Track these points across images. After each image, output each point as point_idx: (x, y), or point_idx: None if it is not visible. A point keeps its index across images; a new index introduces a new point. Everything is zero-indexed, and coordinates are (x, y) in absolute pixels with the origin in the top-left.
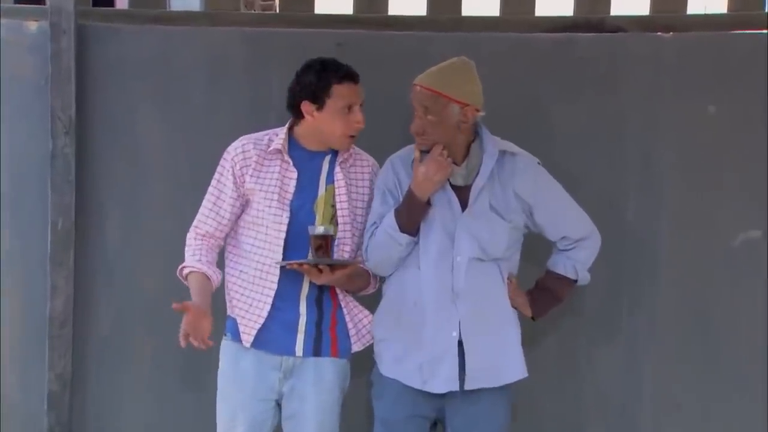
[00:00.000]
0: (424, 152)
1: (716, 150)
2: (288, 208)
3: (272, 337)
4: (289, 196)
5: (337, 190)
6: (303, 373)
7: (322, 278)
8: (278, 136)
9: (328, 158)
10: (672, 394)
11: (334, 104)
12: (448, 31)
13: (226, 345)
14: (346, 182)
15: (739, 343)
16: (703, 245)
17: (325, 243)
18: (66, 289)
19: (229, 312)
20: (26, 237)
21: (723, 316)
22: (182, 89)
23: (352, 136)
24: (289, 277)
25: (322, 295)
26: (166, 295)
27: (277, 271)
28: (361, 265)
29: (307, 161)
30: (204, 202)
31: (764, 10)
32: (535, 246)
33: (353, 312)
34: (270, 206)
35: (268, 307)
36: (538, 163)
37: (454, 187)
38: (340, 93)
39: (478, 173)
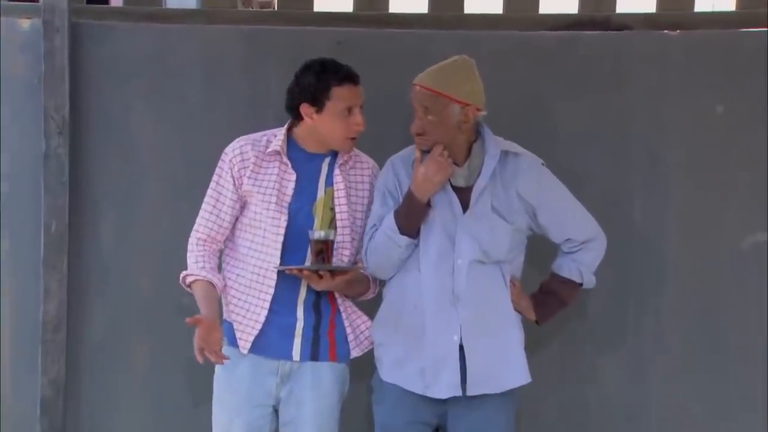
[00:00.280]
0: (425, 152)
1: (724, 150)
2: (286, 211)
3: (269, 341)
4: (288, 199)
5: (336, 193)
6: (301, 377)
7: (322, 284)
8: (277, 137)
9: (327, 160)
10: (679, 400)
11: (333, 106)
12: (449, 29)
13: (223, 349)
14: (345, 185)
15: (748, 347)
16: (711, 247)
17: (326, 248)
18: (59, 293)
19: (225, 316)
20: (19, 239)
21: (731, 319)
22: (178, 88)
23: (353, 138)
24: (286, 282)
25: (320, 300)
26: (162, 298)
27: (275, 275)
28: (362, 271)
29: (306, 163)
30: (203, 205)
31: None
32: (539, 249)
33: (352, 317)
34: (268, 209)
35: (265, 312)
36: (542, 164)
37: (455, 188)
38: (340, 95)
39: (479, 174)
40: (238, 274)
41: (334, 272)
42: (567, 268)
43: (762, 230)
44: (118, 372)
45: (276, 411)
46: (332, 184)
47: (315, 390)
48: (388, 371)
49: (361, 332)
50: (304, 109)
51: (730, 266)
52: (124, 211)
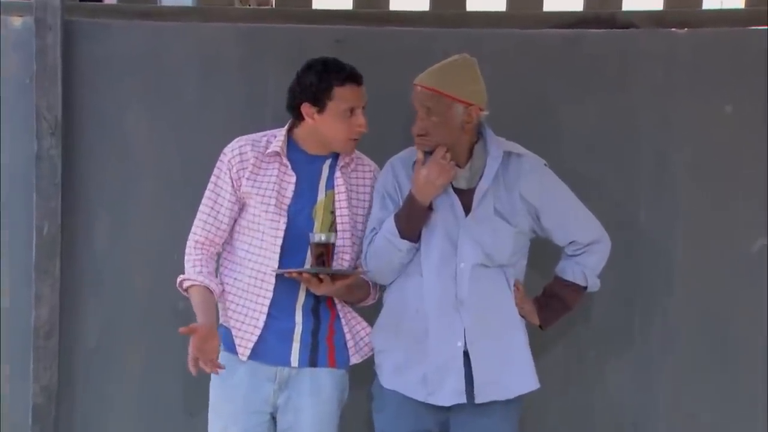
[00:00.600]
0: (427, 154)
1: (732, 149)
2: (285, 214)
3: (267, 347)
4: (287, 201)
5: (336, 196)
6: (299, 384)
7: (322, 288)
8: (277, 137)
9: (328, 162)
10: (686, 406)
11: (335, 107)
12: (451, 27)
13: (219, 356)
14: (346, 188)
15: (757, 352)
16: (719, 249)
17: (327, 251)
18: (51, 298)
19: (222, 321)
20: (10, 243)
21: (739, 323)
22: (174, 88)
23: (355, 140)
24: (285, 286)
25: (318, 305)
26: (157, 303)
27: (273, 279)
28: (362, 276)
29: (306, 165)
30: (201, 207)
31: None
32: (542, 251)
33: (351, 323)
34: (267, 211)
35: (263, 318)
36: (545, 165)
37: (456, 191)
38: (342, 95)
39: (481, 176)
40: (235, 278)
41: (334, 276)
42: (571, 271)
43: None
44: (112, 379)
45: (274, 418)
46: (333, 187)
47: (314, 396)
48: (388, 378)
49: (361, 338)
50: (305, 109)
51: (738, 268)
52: (119, 214)
